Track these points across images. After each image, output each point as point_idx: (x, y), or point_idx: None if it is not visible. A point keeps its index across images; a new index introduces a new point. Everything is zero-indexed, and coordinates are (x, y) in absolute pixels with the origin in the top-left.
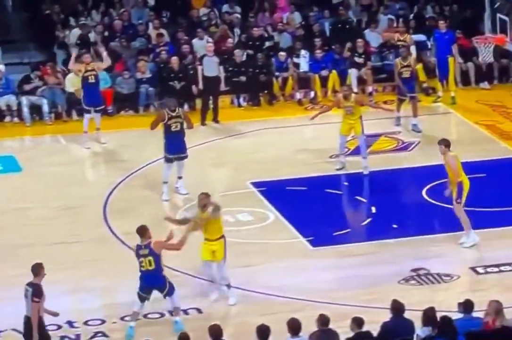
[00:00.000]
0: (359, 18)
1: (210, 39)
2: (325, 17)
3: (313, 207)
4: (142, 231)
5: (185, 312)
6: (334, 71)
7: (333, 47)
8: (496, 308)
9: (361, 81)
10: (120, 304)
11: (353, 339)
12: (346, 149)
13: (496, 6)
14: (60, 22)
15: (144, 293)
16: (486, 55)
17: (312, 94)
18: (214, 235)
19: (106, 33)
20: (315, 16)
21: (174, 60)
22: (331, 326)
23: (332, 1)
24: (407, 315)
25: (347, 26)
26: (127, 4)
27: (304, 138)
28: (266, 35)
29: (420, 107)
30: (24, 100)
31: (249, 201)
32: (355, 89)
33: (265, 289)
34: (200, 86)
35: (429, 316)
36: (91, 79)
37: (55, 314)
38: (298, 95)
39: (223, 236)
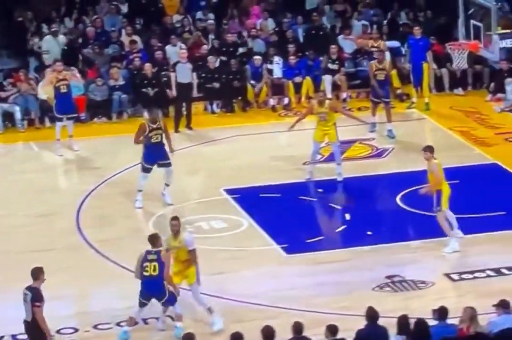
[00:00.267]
0: (333, 24)
1: (183, 46)
2: (299, 23)
3: (287, 214)
4: (154, 239)
5: (158, 319)
6: (308, 78)
7: (306, 53)
8: (471, 315)
9: (335, 87)
10: (93, 312)
11: None
12: (320, 156)
13: (469, 12)
14: (33, 29)
15: (143, 299)
16: (460, 62)
17: (286, 100)
18: (184, 258)
19: (80, 40)
20: (289, 22)
21: (147, 67)
22: (306, 333)
23: (306, 8)
24: (382, 322)
25: (321, 32)
26: (100, 11)
27: (278, 145)
28: (239, 41)
29: (394, 114)
30: None
31: (222, 208)
32: (329, 95)
33: (238, 297)
34: (174, 93)
35: (403, 323)
36: (63, 89)
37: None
38: (272, 102)
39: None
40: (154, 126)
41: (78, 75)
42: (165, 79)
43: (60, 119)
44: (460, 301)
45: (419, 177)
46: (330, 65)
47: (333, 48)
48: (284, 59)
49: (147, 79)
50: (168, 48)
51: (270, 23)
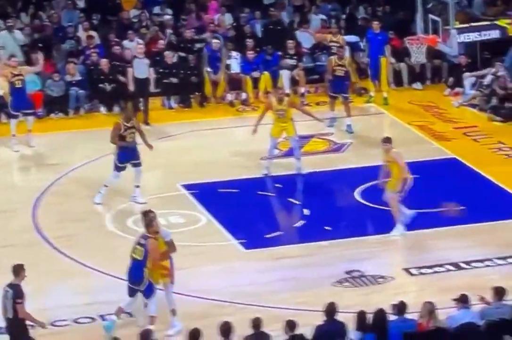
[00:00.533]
0: (291, 19)
1: (140, 41)
2: (257, 18)
3: (246, 209)
4: (148, 223)
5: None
6: (265, 73)
7: (264, 48)
8: (430, 309)
9: (293, 82)
10: (50, 309)
11: None
12: (277, 151)
13: (428, 7)
14: None
15: (128, 283)
16: (418, 56)
17: (244, 95)
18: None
19: (36, 36)
20: (247, 17)
21: (104, 62)
22: (264, 329)
23: (264, 2)
24: (341, 317)
25: (279, 27)
26: (57, 6)
27: (235, 140)
28: (197, 37)
29: (352, 108)
30: None
31: (180, 204)
32: (287, 91)
33: (197, 293)
34: (131, 88)
35: (361, 319)
36: (18, 84)
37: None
38: (230, 97)
39: (170, 257)
40: (129, 125)
41: (41, 61)
42: (119, 75)
43: (15, 116)
44: (419, 295)
45: (378, 172)
46: (288, 60)
47: (290, 43)
48: (242, 54)
49: (103, 74)
50: (125, 43)
51: (228, 18)
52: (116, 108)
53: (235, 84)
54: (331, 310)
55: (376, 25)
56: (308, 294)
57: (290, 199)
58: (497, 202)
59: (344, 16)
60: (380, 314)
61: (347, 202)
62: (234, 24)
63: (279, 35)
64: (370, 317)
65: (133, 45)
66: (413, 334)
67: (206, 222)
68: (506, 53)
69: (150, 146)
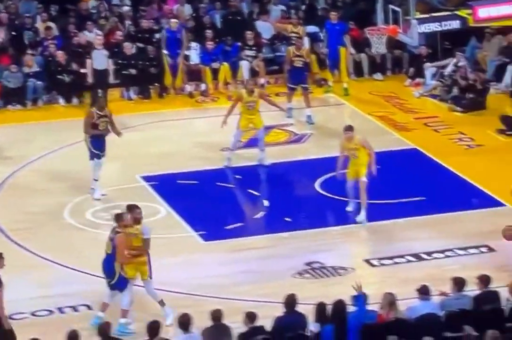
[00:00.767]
0: (251, 10)
1: (99, 32)
2: (216, 9)
3: (205, 201)
4: (117, 218)
5: (75, 309)
6: (225, 63)
7: (224, 39)
8: (390, 301)
9: (253, 73)
10: (8, 302)
11: (246, 334)
12: (240, 143)
13: None
14: None
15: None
16: (378, 47)
17: (203, 86)
18: (136, 244)
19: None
20: (206, 7)
21: (60, 54)
22: (224, 321)
23: None
24: (302, 309)
25: (239, 18)
26: None
27: (195, 132)
28: (156, 27)
29: (313, 99)
30: None
31: (139, 195)
32: None
33: (157, 285)
34: (90, 79)
35: (320, 311)
36: None
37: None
38: (189, 88)
39: (147, 253)
40: (102, 113)
41: None
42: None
43: None
44: (380, 287)
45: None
46: (247, 52)
47: (249, 34)
48: (201, 45)
49: (61, 66)
50: (84, 34)
51: (187, 9)
52: (74, 100)
53: (194, 75)
54: (291, 301)
55: (333, 15)
56: (268, 286)
57: (250, 190)
58: (457, 192)
59: (303, 7)
60: (339, 305)
61: (308, 193)
62: (194, 14)
63: (239, 25)
64: (330, 309)
65: (92, 36)
66: (373, 325)
67: (166, 214)
68: (467, 43)
69: (119, 134)
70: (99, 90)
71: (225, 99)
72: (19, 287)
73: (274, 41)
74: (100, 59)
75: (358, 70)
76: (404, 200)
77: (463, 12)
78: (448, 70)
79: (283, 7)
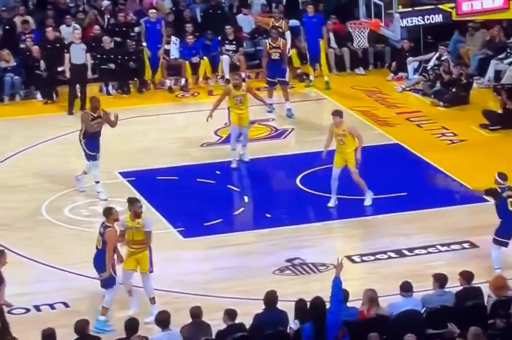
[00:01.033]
0: (231, 3)
1: (77, 26)
2: (196, 3)
3: (184, 197)
4: (105, 212)
5: (51, 306)
6: (205, 58)
7: (204, 33)
8: (371, 297)
9: (233, 67)
10: None
11: (226, 331)
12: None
13: None
14: None
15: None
16: (360, 41)
17: (183, 81)
18: (138, 238)
19: None
20: (186, 1)
21: (35, 49)
22: (204, 318)
23: None
24: (283, 306)
25: (219, 12)
26: None
27: (175, 127)
28: (134, 21)
29: (294, 94)
30: None
31: (118, 191)
32: (227, 76)
33: (135, 282)
34: (67, 74)
35: (300, 308)
36: None
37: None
38: (168, 83)
39: (149, 246)
40: (95, 115)
41: None
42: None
43: None
44: (361, 283)
45: (320, 158)
46: (227, 46)
47: (228, 28)
48: (182, 39)
49: (38, 61)
50: (62, 28)
51: (167, 3)
52: (53, 95)
53: (174, 69)
54: (271, 298)
55: (310, 8)
56: (248, 283)
57: (230, 186)
58: (440, 188)
59: (284, 1)
60: (318, 302)
61: (289, 189)
62: (173, 8)
63: (219, 20)
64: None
65: (70, 30)
66: (354, 323)
67: (145, 210)
68: (450, 37)
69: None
70: (77, 85)
71: (205, 94)
72: None
73: (255, 35)
74: (78, 54)
75: (340, 65)
76: (386, 196)
77: (446, 6)
78: (430, 65)
79: (264, 1)
